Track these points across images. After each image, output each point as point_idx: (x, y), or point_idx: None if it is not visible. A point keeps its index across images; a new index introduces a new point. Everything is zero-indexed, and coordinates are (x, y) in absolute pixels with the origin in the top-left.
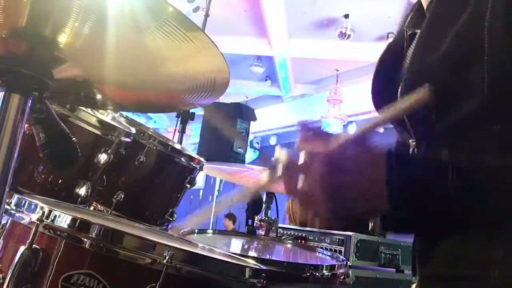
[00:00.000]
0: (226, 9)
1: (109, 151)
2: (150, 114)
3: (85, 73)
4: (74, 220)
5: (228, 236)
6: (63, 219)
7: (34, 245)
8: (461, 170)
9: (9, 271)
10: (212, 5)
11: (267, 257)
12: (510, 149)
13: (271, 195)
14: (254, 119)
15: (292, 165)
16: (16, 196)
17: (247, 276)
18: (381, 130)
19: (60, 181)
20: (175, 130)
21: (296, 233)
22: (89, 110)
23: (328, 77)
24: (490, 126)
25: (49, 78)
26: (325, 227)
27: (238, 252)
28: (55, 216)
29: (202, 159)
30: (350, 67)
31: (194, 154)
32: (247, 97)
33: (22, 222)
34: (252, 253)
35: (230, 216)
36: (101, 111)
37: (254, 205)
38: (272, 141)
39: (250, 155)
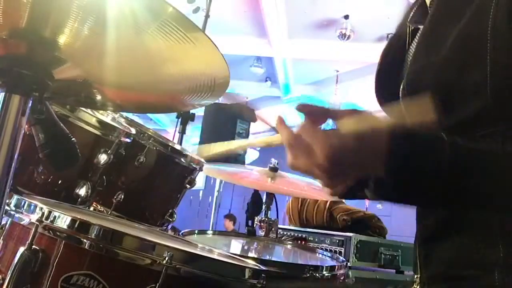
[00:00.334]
0: (226, 10)
1: (109, 152)
2: (150, 115)
3: (85, 74)
4: (73, 220)
5: (228, 237)
6: (63, 220)
7: (33, 246)
8: (459, 147)
9: (9, 272)
10: (212, 6)
11: (267, 257)
12: None
13: (271, 196)
14: (254, 120)
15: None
16: (15, 197)
17: (247, 276)
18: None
19: (60, 182)
20: (175, 130)
21: (296, 234)
22: (89, 111)
23: (328, 78)
24: (493, 127)
25: (49, 78)
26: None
27: (238, 252)
28: (54, 217)
29: (202, 159)
30: (350, 68)
31: (194, 155)
32: (247, 98)
33: (21, 223)
34: (252, 254)
35: (230, 217)
36: (101, 111)
37: (254, 206)
38: None
39: (250, 156)
